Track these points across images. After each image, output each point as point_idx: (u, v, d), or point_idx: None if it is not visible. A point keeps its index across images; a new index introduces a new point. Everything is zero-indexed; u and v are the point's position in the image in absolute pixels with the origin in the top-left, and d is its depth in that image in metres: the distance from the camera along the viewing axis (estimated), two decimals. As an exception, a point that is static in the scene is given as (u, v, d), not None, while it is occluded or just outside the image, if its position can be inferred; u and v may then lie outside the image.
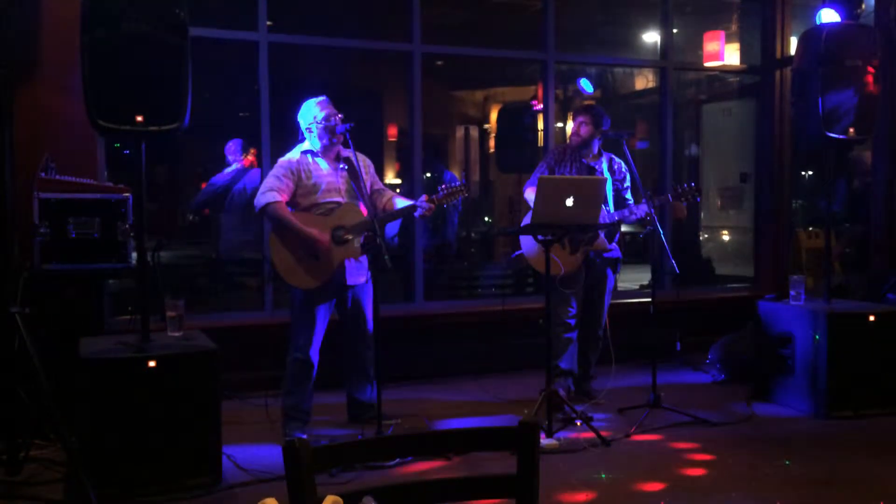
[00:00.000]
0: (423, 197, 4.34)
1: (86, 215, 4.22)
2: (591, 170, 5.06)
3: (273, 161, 4.90)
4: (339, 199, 4.34)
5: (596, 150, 5.11)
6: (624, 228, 5.26)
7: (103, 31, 3.53)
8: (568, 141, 5.26)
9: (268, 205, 4.21)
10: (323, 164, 4.36)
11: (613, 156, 5.20)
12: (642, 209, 4.85)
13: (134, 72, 3.58)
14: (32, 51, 4.72)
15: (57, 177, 4.30)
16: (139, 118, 3.58)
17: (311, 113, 4.33)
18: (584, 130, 5.05)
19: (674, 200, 4.95)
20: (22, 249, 4.19)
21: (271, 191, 4.23)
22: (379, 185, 4.58)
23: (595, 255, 5.01)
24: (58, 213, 4.18)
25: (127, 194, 4.31)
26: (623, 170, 5.14)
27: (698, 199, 5.01)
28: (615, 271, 5.18)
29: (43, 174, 4.24)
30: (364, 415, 4.48)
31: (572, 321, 4.99)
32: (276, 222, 4.24)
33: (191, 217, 8.28)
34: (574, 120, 5.18)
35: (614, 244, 5.08)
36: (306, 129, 4.37)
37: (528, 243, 4.97)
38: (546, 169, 5.06)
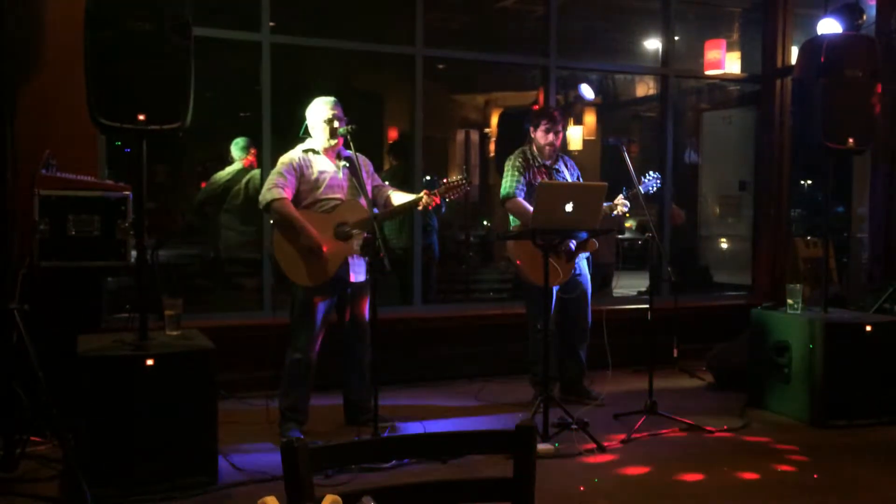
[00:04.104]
0: (424, 191, 4.37)
1: (85, 213, 4.22)
2: (556, 172, 5.13)
3: (273, 161, 4.91)
4: (340, 195, 4.38)
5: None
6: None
7: (107, 29, 3.54)
8: (533, 147, 5.11)
9: (273, 201, 4.23)
10: (324, 162, 4.39)
11: (565, 156, 5.30)
12: (619, 204, 4.95)
13: (137, 70, 3.59)
14: (35, 48, 4.72)
15: (57, 174, 4.30)
16: (141, 117, 3.58)
17: (318, 110, 4.38)
18: (557, 137, 5.07)
19: (641, 191, 4.97)
20: (21, 246, 4.19)
21: (276, 187, 4.25)
22: (378, 181, 4.62)
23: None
24: (57, 210, 4.17)
25: (127, 192, 4.31)
26: (575, 170, 5.26)
27: (653, 188, 5.09)
28: (589, 267, 5.23)
29: (44, 171, 4.23)
30: (361, 417, 4.49)
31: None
32: (281, 218, 4.26)
33: (190, 216, 8.27)
34: (536, 126, 5.08)
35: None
36: (311, 125, 4.40)
37: (521, 253, 4.86)
38: (519, 174, 5.01)
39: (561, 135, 5.12)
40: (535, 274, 4.73)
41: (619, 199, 4.97)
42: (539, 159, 5.08)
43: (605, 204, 4.91)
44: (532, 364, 5.06)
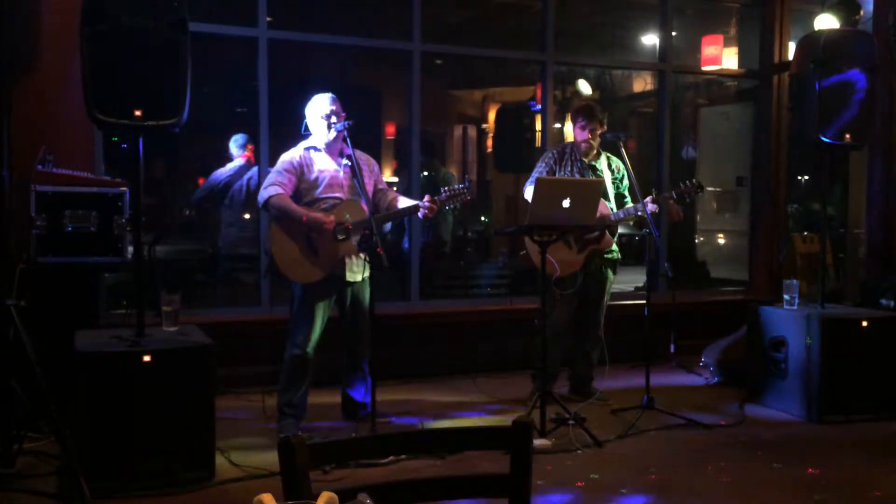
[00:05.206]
0: (427, 198, 4.36)
1: (82, 209, 4.22)
2: (593, 169, 5.06)
3: (271, 157, 4.91)
4: (340, 194, 4.36)
5: (596, 149, 5.10)
6: (620, 230, 5.26)
7: (103, 24, 3.53)
8: (574, 141, 5.14)
9: (271, 197, 4.23)
10: (325, 160, 4.38)
11: (611, 155, 5.21)
12: (649, 206, 4.76)
13: (133, 66, 3.58)
14: (32, 43, 4.71)
15: (54, 170, 4.30)
16: (138, 112, 3.58)
17: (316, 107, 4.37)
18: (594, 134, 5.01)
19: (677, 198, 4.94)
20: (18, 242, 4.19)
21: (273, 185, 4.25)
22: (383, 185, 4.61)
23: (595, 255, 5.01)
24: (54, 205, 4.17)
25: (124, 188, 4.31)
26: (621, 169, 5.16)
27: (699, 192, 4.97)
28: (614, 272, 5.19)
29: (40, 167, 4.23)
30: (359, 413, 4.49)
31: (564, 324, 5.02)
32: (280, 214, 4.25)
33: (188, 212, 8.28)
34: (574, 122, 5.12)
35: (613, 244, 5.08)
36: (311, 122, 4.40)
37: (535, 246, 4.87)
38: (545, 168, 5.04)
39: (599, 131, 5.01)
40: (549, 266, 4.75)
41: (648, 200, 4.84)
42: (577, 154, 5.06)
43: (634, 205, 4.89)
44: (537, 360, 5.07)
